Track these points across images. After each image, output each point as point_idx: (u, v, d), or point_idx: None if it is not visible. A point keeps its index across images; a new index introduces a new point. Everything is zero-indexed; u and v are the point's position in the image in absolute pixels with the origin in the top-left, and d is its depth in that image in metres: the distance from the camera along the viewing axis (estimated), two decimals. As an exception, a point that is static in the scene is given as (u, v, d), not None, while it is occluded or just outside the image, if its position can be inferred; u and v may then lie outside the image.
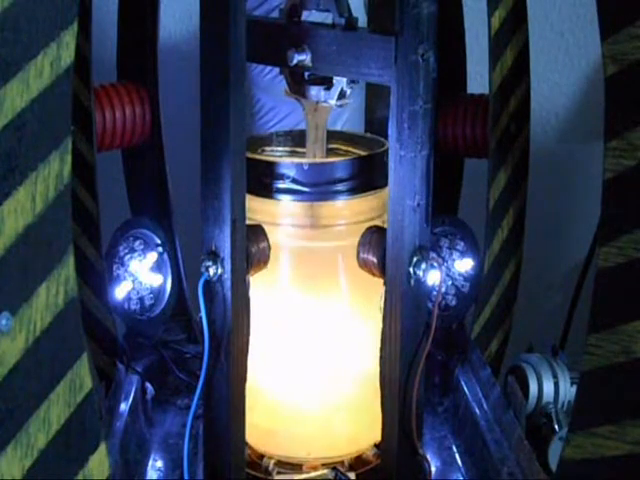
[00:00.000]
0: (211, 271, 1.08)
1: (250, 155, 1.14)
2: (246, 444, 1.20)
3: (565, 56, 2.31)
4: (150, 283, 1.64)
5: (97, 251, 1.47)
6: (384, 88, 1.10)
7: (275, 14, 1.31)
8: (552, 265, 2.31)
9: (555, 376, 1.50)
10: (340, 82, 1.17)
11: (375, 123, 1.49)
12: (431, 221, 1.12)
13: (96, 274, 1.48)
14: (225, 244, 1.08)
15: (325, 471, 1.23)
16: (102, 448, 0.94)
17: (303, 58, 1.14)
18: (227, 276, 1.08)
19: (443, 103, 1.57)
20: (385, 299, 1.14)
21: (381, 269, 1.14)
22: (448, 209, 1.67)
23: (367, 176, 1.21)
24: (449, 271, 1.66)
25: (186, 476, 1.12)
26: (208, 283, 1.09)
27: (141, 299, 1.63)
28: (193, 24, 2.22)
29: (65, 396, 0.89)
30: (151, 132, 1.60)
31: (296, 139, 1.33)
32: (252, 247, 1.13)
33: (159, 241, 1.64)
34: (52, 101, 0.85)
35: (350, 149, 1.31)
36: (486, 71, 1.51)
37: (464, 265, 1.65)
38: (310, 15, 1.22)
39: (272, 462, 1.27)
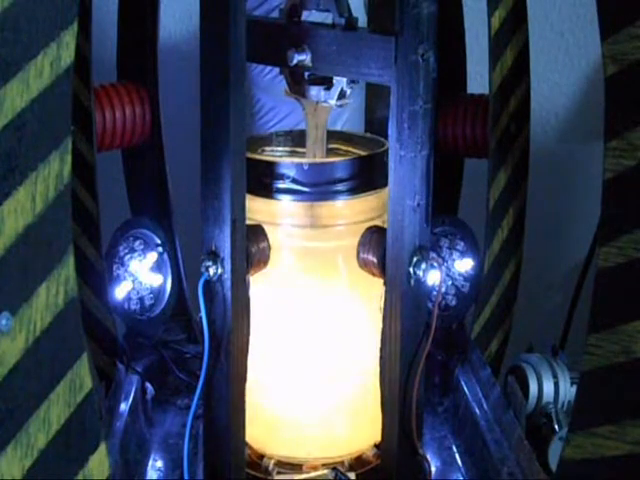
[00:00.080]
0: (211, 271, 1.08)
1: (250, 155, 1.14)
2: (246, 444, 1.20)
3: (565, 56, 2.31)
4: (150, 283, 1.64)
5: (97, 251, 1.47)
6: (384, 88, 1.10)
7: (275, 14, 1.32)
8: (552, 265, 2.31)
9: (555, 376, 1.49)
10: (340, 82, 1.17)
11: (375, 123, 1.49)
12: (431, 221, 1.12)
13: (96, 274, 1.48)
14: (225, 244, 1.08)
15: (325, 471, 1.22)
16: (102, 448, 0.94)
17: (303, 58, 1.14)
18: (227, 276, 1.08)
19: (443, 103, 1.57)
20: (385, 299, 1.14)
21: (381, 269, 1.14)
22: (448, 209, 1.67)
23: (367, 176, 1.21)
24: (449, 271, 1.66)
25: (186, 476, 1.12)
26: (208, 283, 1.09)
27: (141, 299, 1.63)
28: (193, 24, 2.22)
29: (65, 396, 0.89)
30: (151, 132, 1.60)
31: (296, 139, 1.33)
32: (252, 247, 1.13)
33: (159, 241, 1.64)
34: (52, 101, 0.85)
35: (350, 149, 1.31)
36: (486, 71, 1.51)
37: (464, 265, 1.65)
38: (310, 15, 1.22)
39: (272, 462, 1.27)
